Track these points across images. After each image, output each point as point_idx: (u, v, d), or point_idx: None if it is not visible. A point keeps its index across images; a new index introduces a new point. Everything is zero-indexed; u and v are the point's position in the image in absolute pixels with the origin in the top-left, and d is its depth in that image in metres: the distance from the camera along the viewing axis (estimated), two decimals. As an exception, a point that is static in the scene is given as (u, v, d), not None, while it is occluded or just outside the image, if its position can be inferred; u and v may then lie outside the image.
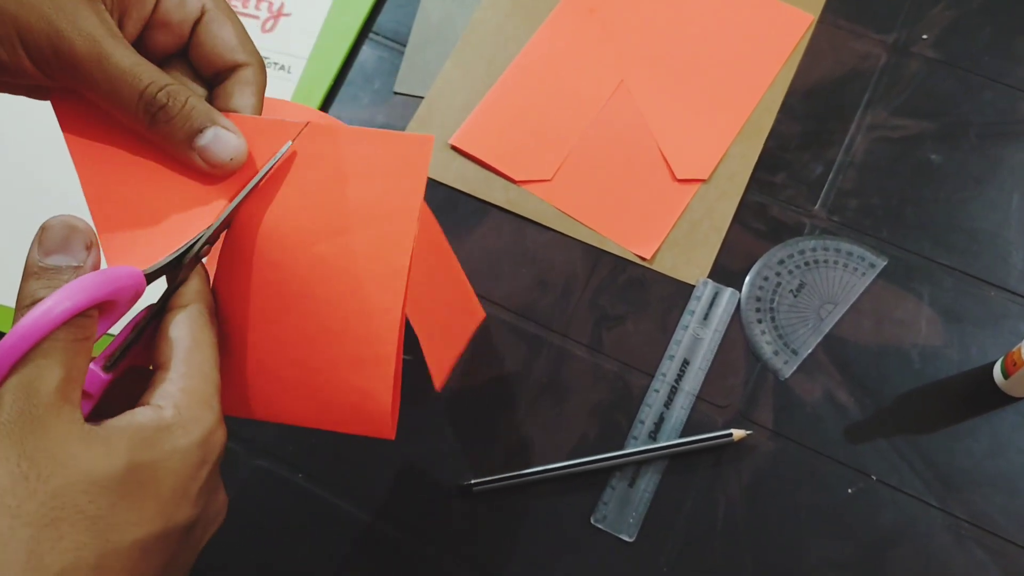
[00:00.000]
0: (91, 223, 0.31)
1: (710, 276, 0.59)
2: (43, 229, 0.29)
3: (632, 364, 0.57)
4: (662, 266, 0.59)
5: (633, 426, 0.55)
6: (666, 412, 0.55)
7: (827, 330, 0.57)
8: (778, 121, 0.63)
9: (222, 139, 0.33)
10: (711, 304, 0.58)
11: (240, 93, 0.36)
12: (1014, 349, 0.52)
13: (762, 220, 0.60)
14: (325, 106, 0.66)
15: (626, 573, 0.52)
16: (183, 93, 0.34)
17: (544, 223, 0.61)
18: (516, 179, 0.62)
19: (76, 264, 0.29)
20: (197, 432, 0.30)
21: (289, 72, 0.66)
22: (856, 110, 0.63)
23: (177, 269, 0.34)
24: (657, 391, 0.55)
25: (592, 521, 0.53)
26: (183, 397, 0.30)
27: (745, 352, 0.57)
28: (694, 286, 0.58)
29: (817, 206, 0.60)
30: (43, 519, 0.25)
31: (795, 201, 0.61)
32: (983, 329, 0.57)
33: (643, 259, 0.59)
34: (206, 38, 0.36)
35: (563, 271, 0.59)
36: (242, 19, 0.42)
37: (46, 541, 0.25)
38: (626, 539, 0.52)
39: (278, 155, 0.35)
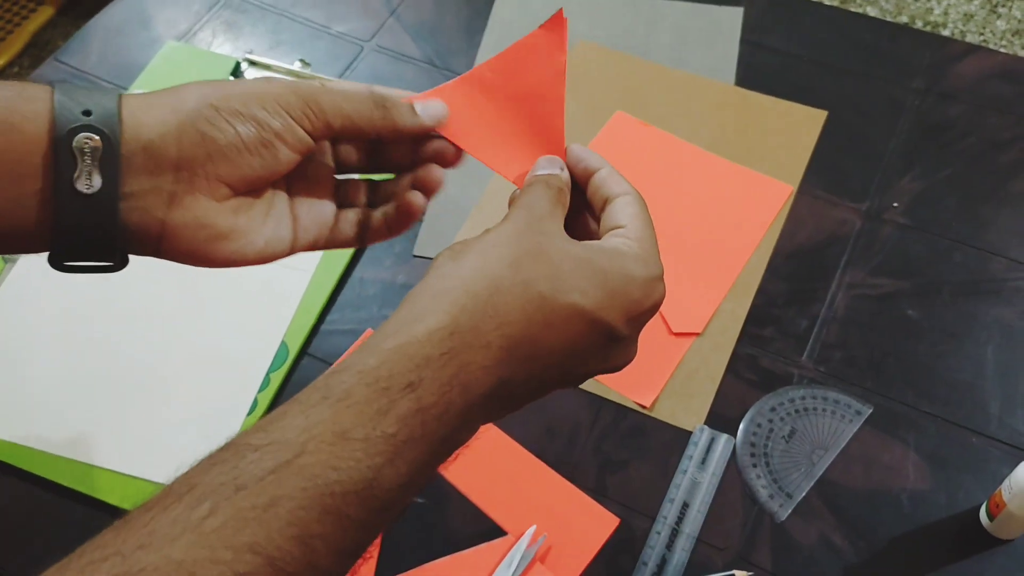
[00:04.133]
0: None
1: (706, 423, 0.62)
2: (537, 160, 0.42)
3: (634, 507, 0.59)
4: (661, 413, 0.63)
5: (636, 568, 0.57)
6: (668, 554, 0.57)
7: (819, 474, 0.60)
8: (765, 280, 0.69)
9: (429, 104, 0.42)
10: (708, 449, 0.61)
11: None
12: (996, 491, 0.55)
13: (753, 370, 0.65)
14: (349, 268, 0.71)
15: None
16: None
17: (550, 374, 0.65)
18: (524, 333, 0.67)
19: (556, 172, 0.41)
20: (646, 272, 0.38)
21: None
22: (836, 270, 0.69)
23: None
24: (659, 533, 0.58)
25: (598, 662, 0.54)
26: (640, 250, 0.38)
27: (742, 495, 0.59)
28: (692, 432, 0.62)
29: (804, 357, 0.65)
30: (529, 258, 0.36)
31: (783, 353, 0.65)
32: (967, 473, 0.60)
33: (643, 407, 0.63)
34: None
35: (569, 419, 0.63)
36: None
37: (536, 274, 0.35)
38: None
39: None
